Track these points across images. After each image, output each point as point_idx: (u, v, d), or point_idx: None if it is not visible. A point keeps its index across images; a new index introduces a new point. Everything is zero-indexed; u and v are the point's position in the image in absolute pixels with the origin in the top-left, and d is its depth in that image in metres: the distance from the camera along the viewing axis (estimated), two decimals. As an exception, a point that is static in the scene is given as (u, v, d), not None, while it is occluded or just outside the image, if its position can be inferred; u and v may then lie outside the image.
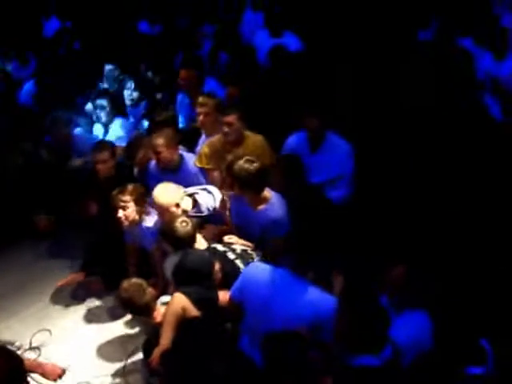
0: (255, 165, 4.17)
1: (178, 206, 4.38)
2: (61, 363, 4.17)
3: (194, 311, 3.59)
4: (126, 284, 3.81)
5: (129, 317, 4.53)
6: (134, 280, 3.87)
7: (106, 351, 4.41)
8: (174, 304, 3.57)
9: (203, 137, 5.47)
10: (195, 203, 4.54)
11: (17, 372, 1.90)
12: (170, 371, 3.45)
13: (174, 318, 3.52)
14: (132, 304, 3.75)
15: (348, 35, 6.40)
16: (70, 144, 5.92)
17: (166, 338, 3.50)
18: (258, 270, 3.48)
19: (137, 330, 4.48)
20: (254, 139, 5.01)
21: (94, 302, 4.92)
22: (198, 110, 5.33)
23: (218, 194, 4.61)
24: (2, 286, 5.10)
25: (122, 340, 4.48)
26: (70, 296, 5.00)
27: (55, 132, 5.89)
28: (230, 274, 3.85)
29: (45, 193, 5.62)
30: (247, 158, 4.22)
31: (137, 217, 4.59)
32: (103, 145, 5.37)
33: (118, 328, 4.59)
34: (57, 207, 5.60)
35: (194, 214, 4.47)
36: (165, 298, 3.90)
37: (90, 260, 5.05)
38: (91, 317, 4.78)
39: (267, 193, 4.31)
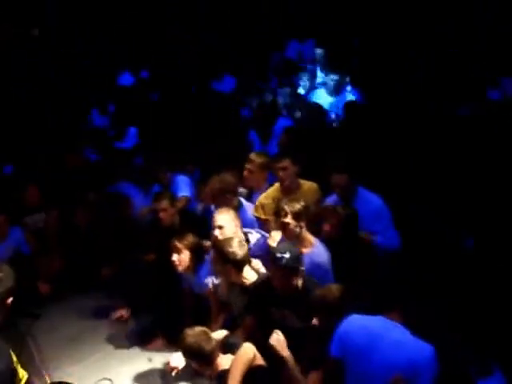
0: (302, 203, 4.35)
1: (237, 226, 4.54)
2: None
3: (261, 360, 3.61)
4: (191, 332, 3.78)
5: (188, 366, 4.52)
6: (198, 328, 3.85)
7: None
8: (246, 351, 3.61)
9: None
10: (247, 242, 4.62)
11: None
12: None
13: (245, 364, 3.56)
14: (198, 351, 3.70)
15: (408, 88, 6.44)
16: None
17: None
18: (356, 321, 3.38)
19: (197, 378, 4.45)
20: (309, 186, 5.06)
21: (153, 352, 4.95)
22: (246, 165, 5.41)
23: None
24: (67, 333, 5.26)
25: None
26: (130, 345, 5.07)
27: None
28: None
29: (109, 242, 5.81)
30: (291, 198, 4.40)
31: (191, 264, 4.68)
32: (162, 194, 5.55)
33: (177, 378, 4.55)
34: (121, 256, 5.73)
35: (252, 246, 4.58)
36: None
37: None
38: (151, 367, 4.80)
39: (311, 237, 4.38)
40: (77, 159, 6.83)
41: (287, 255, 3.78)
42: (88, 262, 5.86)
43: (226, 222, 4.54)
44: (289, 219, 4.27)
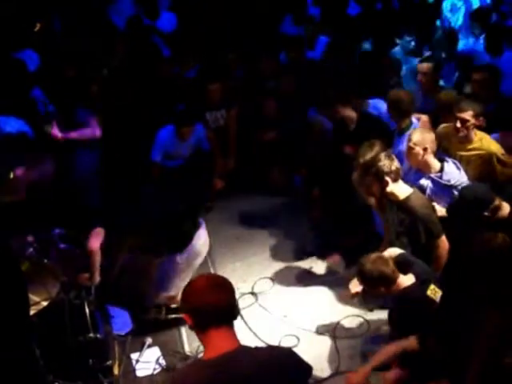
0: None
1: (425, 150, 4.22)
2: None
3: None
4: (367, 259, 3.61)
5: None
6: (373, 254, 3.65)
7: (320, 310, 4.48)
8: None
9: None
10: (441, 169, 4.29)
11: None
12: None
13: None
14: (380, 276, 3.55)
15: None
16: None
17: None
18: None
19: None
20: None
21: (318, 264, 5.00)
22: None
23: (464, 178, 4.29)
24: (233, 232, 5.42)
25: (338, 303, 4.52)
26: (295, 252, 5.13)
27: None
28: None
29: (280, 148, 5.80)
30: None
31: None
32: None
33: (336, 292, 4.61)
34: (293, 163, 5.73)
35: (434, 177, 4.28)
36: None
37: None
38: (313, 276, 4.87)
39: None
40: (272, 64, 6.59)
41: None
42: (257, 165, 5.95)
43: (414, 144, 4.22)
44: None
